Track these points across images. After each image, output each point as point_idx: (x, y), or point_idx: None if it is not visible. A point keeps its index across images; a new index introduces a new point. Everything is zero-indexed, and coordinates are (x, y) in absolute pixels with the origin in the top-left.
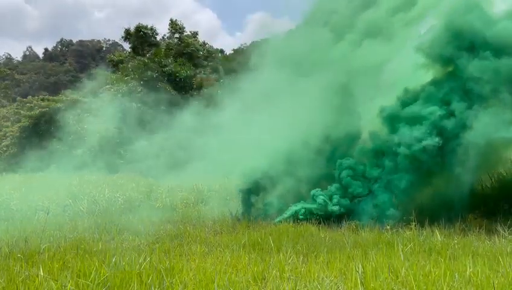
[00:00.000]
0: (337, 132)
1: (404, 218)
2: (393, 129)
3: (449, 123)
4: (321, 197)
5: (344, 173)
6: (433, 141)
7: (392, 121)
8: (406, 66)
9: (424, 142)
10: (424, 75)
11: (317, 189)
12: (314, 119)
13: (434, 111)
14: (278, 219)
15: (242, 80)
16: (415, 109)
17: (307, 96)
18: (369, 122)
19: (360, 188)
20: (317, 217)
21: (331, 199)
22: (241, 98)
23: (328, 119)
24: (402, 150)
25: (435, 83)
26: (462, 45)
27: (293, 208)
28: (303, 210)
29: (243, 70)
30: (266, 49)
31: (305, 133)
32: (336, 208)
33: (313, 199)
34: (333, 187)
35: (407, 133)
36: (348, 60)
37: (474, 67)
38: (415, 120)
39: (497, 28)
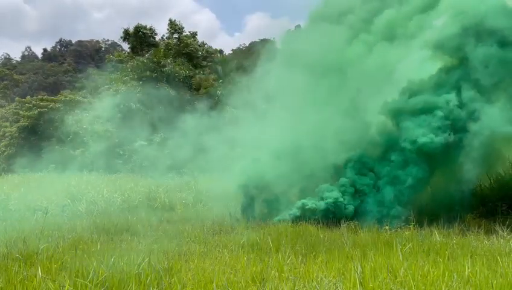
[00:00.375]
0: (348, 135)
1: (403, 218)
2: (399, 123)
3: (462, 113)
4: (333, 194)
5: (350, 168)
6: (446, 135)
7: (399, 114)
8: (414, 63)
9: (438, 138)
10: (430, 68)
11: (324, 184)
12: (324, 122)
13: (449, 99)
14: (283, 215)
15: (250, 80)
16: (425, 98)
17: (318, 98)
18: (377, 120)
19: (368, 186)
20: (321, 216)
21: (343, 194)
22: (248, 98)
23: (339, 121)
24: (410, 144)
25: (446, 69)
26: (470, 33)
27: (301, 203)
28: (317, 211)
29: (249, 70)
30: (276, 48)
31: (314, 134)
32: (350, 209)
33: (320, 197)
34: (340, 186)
35: (416, 126)
36: (362, 62)
37: (479, 54)
38: (426, 110)
39: (506, 20)
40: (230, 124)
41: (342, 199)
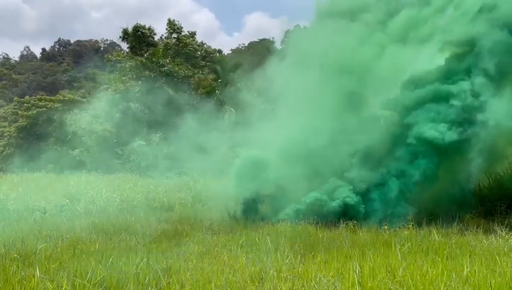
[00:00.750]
0: (357, 134)
1: (409, 216)
2: (406, 117)
3: (476, 102)
4: (343, 192)
5: (357, 164)
6: (461, 129)
7: (404, 108)
8: (423, 60)
9: (451, 132)
10: (439, 60)
11: (332, 179)
12: (333, 122)
13: (465, 88)
14: (288, 211)
15: (256, 80)
16: (435, 87)
17: (330, 99)
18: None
19: (375, 184)
20: (333, 216)
21: (356, 194)
22: (254, 98)
23: (348, 122)
24: (416, 139)
25: (456, 56)
26: (483, 19)
27: (313, 197)
28: (329, 211)
29: (249, 70)
30: (283, 48)
31: (323, 134)
32: (361, 209)
33: (331, 196)
34: (349, 182)
35: (425, 119)
36: (375, 64)
37: (488, 42)
38: (437, 100)
39: None
40: (230, 124)
41: (356, 200)
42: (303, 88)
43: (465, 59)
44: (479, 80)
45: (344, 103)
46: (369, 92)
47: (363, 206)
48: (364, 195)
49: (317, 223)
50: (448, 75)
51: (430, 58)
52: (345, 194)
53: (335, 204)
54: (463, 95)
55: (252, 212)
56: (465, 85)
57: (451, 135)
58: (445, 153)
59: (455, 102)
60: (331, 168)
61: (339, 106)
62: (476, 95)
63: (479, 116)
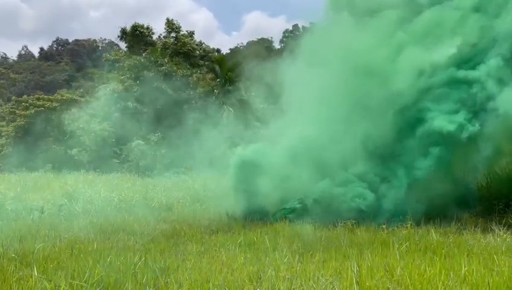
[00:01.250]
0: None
1: (400, 217)
2: (417, 108)
3: (493, 88)
4: (357, 189)
5: (366, 158)
6: (477, 121)
7: (418, 97)
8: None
9: (471, 124)
10: (451, 50)
11: (342, 173)
12: (347, 123)
13: (482, 73)
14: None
15: (266, 79)
16: (450, 73)
17: (341, 100)
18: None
19: (383, 179)
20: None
21: (371, 190)
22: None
23: (362, 123)
24: (427, 134)
25: (468, 44)
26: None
27: (322, 186)
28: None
29: (250, 69)
30: (298, 46)
31: (332, 134)
32: (373, 205)
33: (341, 186)
34: (361, 179)
35: (438, 111)
36: (393, 66)
37: (504, 26)
38: (455, 86)
39: None
40: (229, 123)
41: (370, 201)
42: (315, 88)
43: (479, 45)
44: (494, 64)
45: (358, 103)
46: (385, 93)
47: (377, 204)
48: (375, 192)
49: (316, 222)
50: (463, 61)
51: (443, 51)
52: (358, 194)
53: (347, 206)
54: (482, 79)
55: (252, 211)
56: (483, 70)
57: (470, 128)
58: (458, 144)
59: (474, 89)
60: (340, 167)
61: (352, 106)
62: (492, 81)
63: (490, 105)
